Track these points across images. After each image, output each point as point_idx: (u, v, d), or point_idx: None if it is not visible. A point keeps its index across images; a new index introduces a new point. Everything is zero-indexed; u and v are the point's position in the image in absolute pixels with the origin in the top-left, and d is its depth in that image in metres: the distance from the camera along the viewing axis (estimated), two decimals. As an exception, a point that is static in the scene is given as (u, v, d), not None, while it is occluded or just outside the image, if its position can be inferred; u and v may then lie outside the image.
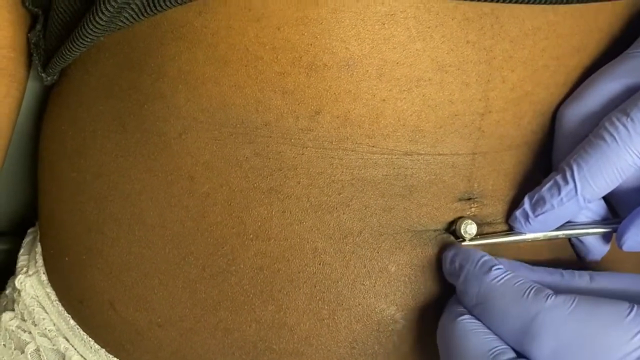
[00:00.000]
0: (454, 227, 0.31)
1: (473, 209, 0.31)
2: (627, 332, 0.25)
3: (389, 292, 0.31)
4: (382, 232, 0.31)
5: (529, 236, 0.31)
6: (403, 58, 0.29)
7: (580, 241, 0.33)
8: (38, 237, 0.39)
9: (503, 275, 0.28)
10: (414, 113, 0.30)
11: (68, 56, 0.34)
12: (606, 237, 0.33)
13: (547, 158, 0.33)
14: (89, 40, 0.32)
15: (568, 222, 0.31)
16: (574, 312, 0.26)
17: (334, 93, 0.30)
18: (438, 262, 0.31)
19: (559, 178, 0.30)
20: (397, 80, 0.29)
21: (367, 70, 0.29)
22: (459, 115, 0.30)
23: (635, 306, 0.26)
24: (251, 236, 0.31)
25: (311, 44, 0.29)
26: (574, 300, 0.26)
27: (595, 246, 0.33)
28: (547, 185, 0.30)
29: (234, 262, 0.31)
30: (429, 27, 0.29)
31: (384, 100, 0.30)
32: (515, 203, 0.32)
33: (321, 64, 0.29)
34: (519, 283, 0.28)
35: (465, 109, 0.30)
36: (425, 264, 0.31)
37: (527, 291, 0.27)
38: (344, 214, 0.30)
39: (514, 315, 0.27)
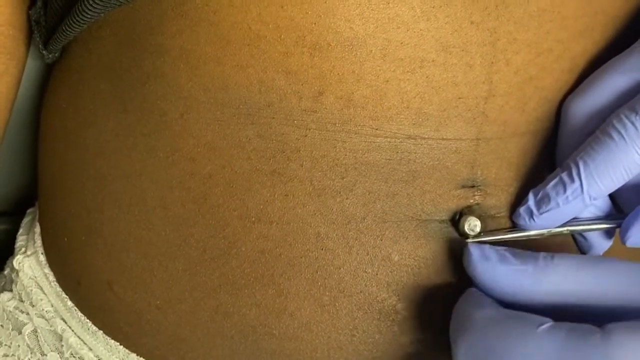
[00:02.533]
0: (458, 223, 0.31)
1: (477, 197, 0.31)
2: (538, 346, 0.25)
3: (391, 281, 0.30)
4: (385, 219, 0.30)
5: (533, 232, 0.31)
6: (407, 38, 0.29)
7: (584, 237, 0.32)
8: (37, 217, 0.39)
9: None
10: (417, 95, 0.29)
11: (69, 33, 0.33)
12: (609, 233, 0.32)
13: (553, 150, 0.32)
14: (89, 16, 0.31)
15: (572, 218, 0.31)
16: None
17: (338, 73, 0.29)
18: (442, 256, 0.31)
19: (564, 175, 0.29)
20: (401, 60, 0.29)
21: (371, 51, 0.29)
22: (462, 98, 0.30)
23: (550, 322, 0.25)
24: (253, 219, 0.30)
25: (315, 23, 0.28)
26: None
27: (599, 242, 0.32)
28: (552, 183, 0.30)
29: (235, 245, 0.30)
30: (433, 7, 0.28)
31: (387, 81, 0.29)
32: (519, 194, 0.31)
33: (325, 43, 0.29)
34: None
35: (469, 92, 0.30)
36: (429, 256, 0.31)
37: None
38: (347, 199, 0.30)
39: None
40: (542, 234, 0.31)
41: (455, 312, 0.28)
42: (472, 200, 0.31)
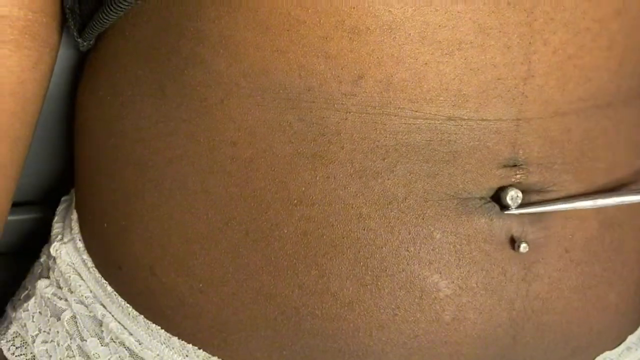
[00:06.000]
0: (499, 196, 0.31)
1: (518, 176, 0.31)
2: None
3: (433, 259, 0.31)
4: (427, 198, 0.31)
5: (577, 204, 0.31)
6: (445, 20, 0.29)
7: None
8: (73, 204, 0.39)
9: None
10: (456, 77, 0.30)
11: (105, 21, 0.34)
12: None
13: (596, 129, 0.32)
14: (126, 3, 0.32)
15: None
16: None
17: (377, 57, 0.29)
18: (484, 232, 0.31)
19: None
20: (439, 43, 0.29)
21: (410, 34, 0.29)
22: (501, 79, 0.30)
23: None
24: (295, 201, 0.30)
25: (354, 7, 0.29)
26: None
27: None
28: None
29: (278, 227, 0.31)
30: None
31: (426, 63, 0.29)
32: (563, 172, 0.32)
33: (364, 27, 0.29)
34: None
35: (508, 73, 0.30)
36: (471, 232, 0.31)
37: None
38: (388, 179, 0.30)
39: None
40: (585, 207, 0.31)
41: None
42: (513, 179, 0.31)
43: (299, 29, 0.29)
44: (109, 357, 0.35)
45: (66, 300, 0.37)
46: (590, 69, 0.31)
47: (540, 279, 0.32)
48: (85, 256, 0.37)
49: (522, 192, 0.31)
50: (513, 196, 0.31)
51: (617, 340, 0.36)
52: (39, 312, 0.38)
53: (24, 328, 0.38)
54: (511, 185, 0.31)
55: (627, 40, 0.32)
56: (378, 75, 0.29)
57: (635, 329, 0.37)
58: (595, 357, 0.36)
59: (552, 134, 0.31)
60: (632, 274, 0.35)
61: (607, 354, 0.36)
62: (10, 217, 0.46)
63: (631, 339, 0.37)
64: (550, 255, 0.32)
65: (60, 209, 0.41)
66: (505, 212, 0.31)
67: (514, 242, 0.31)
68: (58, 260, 0.38)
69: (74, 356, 0.36)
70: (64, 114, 0.44)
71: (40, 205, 0.48)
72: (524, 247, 0.31)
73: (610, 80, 0.32)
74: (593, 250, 0.33)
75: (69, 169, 0.45)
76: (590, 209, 0.32)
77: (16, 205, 0.47)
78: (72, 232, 0.38)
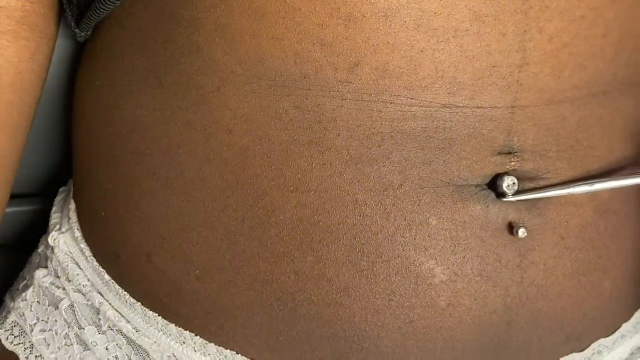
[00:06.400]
0: (495, 184, 0.31)
1: (513, 163, 0.31)
2: None
3: (429, 245, 0.31)
4: (422, 185, 0.31)
5: (572, 190, 0.31)
6: (440, 8, 0.29)
7: None
8: (71, 194, 0.40)
9: None
10: (452, 64, 0.30)
11: (102, 11, 0.34)
12: None
13: (591, 116, 0.33)
14: None
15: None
16: None
17: (373, 45, 0.29)
18: (480, 219, 0.31)
19: None
20: (435, 31, 0.29)
21: (405, 21, 0.29)
22: (497, 67, 0.30)
23: None
24: (291, 188, 0.31)
25: None
26: None
27: None
28: None
29: (274, 214, 0.31)
30: None
31: (422, 51, 0.30)
32: (557, 160, 0.32)
33: (360, 15, 0.29)
34: None
35: (503, 61, 0.30)
36: (467, 219, 0.31)
37: None
38: (384, 166, 0.31)
39: None
40: (581, 192, 0.31)
41: None
42: (508, 167, 0.31)
43: (294, 16, 0.29)
44: (106, 345, 0.35)
45: (64, 289, 0.37)
46: (585, 57, 0.31)
47: (536, 265, 0.32)
48: (83, 245, 0.37)
49: (517, 179, 0.31)
50: (509, 183, 0.31)
51: (611, 328, 0.37)
52: (38, 301, 0.39)
53: (23, 317, 0.38)
54: (507, 173, 0.31)
55: (623, 28, 0.32)
56: (374, 62, 0.30)
57: (630, 317, 0.38)
58: (589, 344, 0.36)
59: (547, 121, 0.32)
60: (627, 262, 0.35)
61: (601, 341, 0.36)
62: (9, 209, 0.47)
63: (626, 327, 0.37)
64: (546, 242, 0.32)
65: (58, 199, 0.42)
66: (503, 200, 0.31)
67: (512, 228, 0.31)
68: (56, 250, 0.38)
69: (72, 344, 0.37)
70: (62, 105, 0.44)
71: (39, 197, 0.48)
72: (522, 232, 0.31)
73: (606, 69, 0.32)
74: (588, 237, 0.33)
75: (67, 160, 0.46)
76: (586, 196, 0.32)
77: (15, 197, 0.47)
78: (70, 221, 0.38)
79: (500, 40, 0.30)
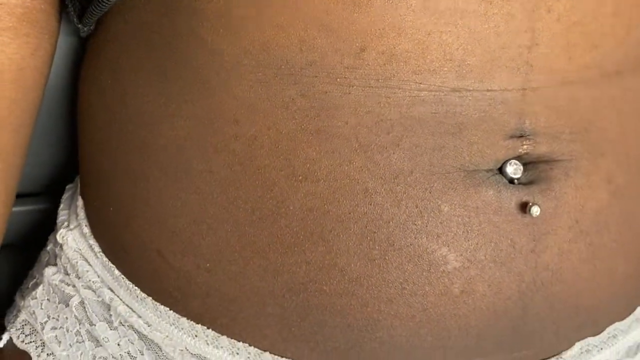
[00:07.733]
0: (503, 170, 0.31)
1: (525, 147, 0.31)
2: None
3: (441, 232, 0.30)
4: (433, 171, 0.30)
5: None
6: None
7: None
8: (78, 191, 0.39)
9: None
10: (460, 47, 0.29)
11: (104, 4, 0.33)
12: None
13: (603, 98, 0.32)
14: None
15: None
16: None
17: (379, 29, 0.29)
18: (492, 204, 0.31)
19: None
20: (442, 12, 0.29)
21: (411, 4, 0.29)
22: (505, 48, 0.30)
23: None
24: (300, 178, 0.30)
25: None
26: None
27: None
28: None
29: (283, 204, 0.31)
30: None
31: (429, 34, 0.29)
32: (571, 142, 0.31)
33: None
34: None
35: (512, 42, 0.30)
36: (479, 205, 0.31)
37: None
38: (394, 153, 0.30)
39: None
40: None
41: None
42: (520, 150, 0.31)
43: (298, 3, 0.29)
44: (118, 340, 0.35)
45: (74, 286, 0.37)
46: (596, 36, 0.31)
47: (550, 250, 0.32)
48: (92, 241, 0.37)
49: (530, 163, 0.31)
50: (514, 169, 0.30)
51: (626, 312, 0.36)
52: (47, 299, 0.38)
53: (33, 315, 0.38)
54: (520, 161, 0.31)
55: (634, 6, 0.31)
56: (380, 47, 0.29)
57: (644, 300, 0.37)
58: (605, 328, 0.35)
59: (559, 103, 0.31)
60: None
61: (616, 324, 0.36)
62: (16, 208, 0.46)
63: (641, 310, 0.37)
64: (560, 226, 0.32)
65: (65, 196, 0.41)
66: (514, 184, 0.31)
67: (524, 208, 0.31)
68: (65, 247, 0.38)
69: (83, 341, 0.36)
70: (66, 102, 0.44)
71: (46, 196, 0.48)
72: (535, 210, 0.30)
73: (617, 48, 0.32)
74: (603, 221, 0.33)
75: (72, 158, 0.45)
76: (601, 180, 0.31)
77: (22, 196, 0.47)
78: (78, 218, 0.38)
79: (508, 20, 0.29)
